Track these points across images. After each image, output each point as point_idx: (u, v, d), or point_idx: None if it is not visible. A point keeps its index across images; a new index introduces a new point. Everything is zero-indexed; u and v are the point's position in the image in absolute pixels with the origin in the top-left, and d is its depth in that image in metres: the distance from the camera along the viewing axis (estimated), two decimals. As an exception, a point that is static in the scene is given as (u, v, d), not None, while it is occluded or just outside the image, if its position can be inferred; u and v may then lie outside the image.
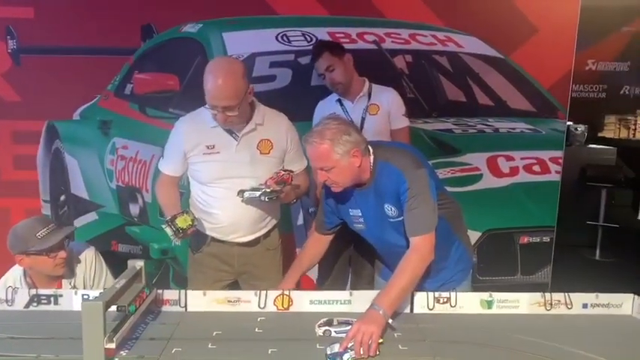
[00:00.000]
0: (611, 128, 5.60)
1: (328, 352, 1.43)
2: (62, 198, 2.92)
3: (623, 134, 5.58)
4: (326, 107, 2.44)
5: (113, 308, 1.46)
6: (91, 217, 2.90)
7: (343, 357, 1.41)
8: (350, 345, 1.43)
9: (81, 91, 2.74)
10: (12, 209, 2.86)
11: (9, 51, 2.69)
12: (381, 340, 1.47)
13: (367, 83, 2.41)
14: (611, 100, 5.43)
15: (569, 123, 4.38)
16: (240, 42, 2.69)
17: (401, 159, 1.69)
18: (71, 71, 2.69)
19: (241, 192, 1.86)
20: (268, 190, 1.82)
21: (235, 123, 1.85)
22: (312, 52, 2.38)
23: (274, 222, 2.06)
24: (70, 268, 2.00)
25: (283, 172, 1.86)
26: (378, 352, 1.44)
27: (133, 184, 2.83)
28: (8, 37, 2.68)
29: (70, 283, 1.99)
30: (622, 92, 5.49)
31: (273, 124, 1.93)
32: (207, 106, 1.81)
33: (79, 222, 2.90)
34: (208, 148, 1.87)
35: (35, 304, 1.72)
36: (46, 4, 2.65)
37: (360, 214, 1.78)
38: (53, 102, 2.72)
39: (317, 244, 1.93)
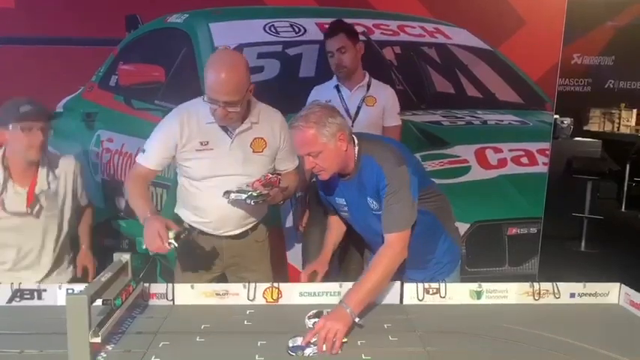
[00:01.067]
0: (596, 121, 5.68)
1: (290, 345, 1.42)
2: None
3: (608, 127, 5.66)
4: (322, 92, 2.44)
5: (98, 302, 1.43)
6: (76, 211, 2.86)
7: (305, 351, 1.40)
8: (313, 340, 1.42)
9: (64, 82, 2.69)
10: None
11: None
12: (345, 340, 1.45)
13: (368, 76, 2.43)
14: (596, 93, 5.51)
15: (555, 116, 4.44)
16: (228, 33, 2.66)
17: (382, 154, 1.69)
18: (54, 62, 2.64)
19: (227, 193, 1.81)
20: (255, 194, 1.77)
21: (234, 120, 1.79)
22: (328, 28, 2.35)
23: (262, 214, 2.04)
24: (49, 165, 1.98)
25: (271, 175, 1.82)
26: (340, 351, 1.42)
27: (118, 177, 2.79)
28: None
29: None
30: (607, 86, 5.57)
31: (267, 122, 1.88)
32: (205, 99, 1.73)
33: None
34: (202, 144, 1.81)
35: (18, 299, 1.69)
36: (29, -7, 2.60)
37: (345, 202, 1.80)
38: (35, 94, 2.64)
39: (337, 221, 1.97)
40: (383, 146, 1.75)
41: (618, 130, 5.62)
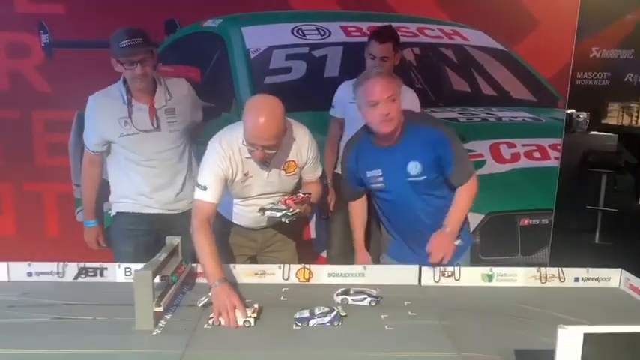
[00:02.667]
0: (614, 115, 5.68)
1: (297, 316, 1.60)
2: (92, 182, 3.10)
3: (626, 121, 5.67)
4: (351, 89, 2.56)
5: (157, 278, 1.66)
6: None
7: (310, 322, 1.57)
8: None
9: (109, 82, 2.88)
10: (45, 193, 3.05)
11: (42, 45, 2.85)
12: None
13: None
14: (614, 87, 5.49)
15: (571, 110, 4.51)
16: (258, 36, 2.83)
17: (434, 121, 2.04)
18: (100, 64, 2.81)
19: (262, 210, 1.94)
20: (289, 213, 1.90)
21: (270, 158, 1.90)
22: (378, 34, 2.44)
23: None
24: (162, 87, 2.19)
25: (302, 195, 1.96)
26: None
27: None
28: (41, 31, 2.84)
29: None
30: (626, 79, 5.55)
31: (296, 145, 1.98)
32: (244, 142, 1.84)
33: (109, 204, 3.08)
34: (244, 175, 1.95)
35: (83, 275, 1.93)
36: (76, 1, 2.81)
37: (380, 173, 1.98)
38: (83, 93, 2.86)
39: (359, 208, 2.16)
40: (428, 116, 2.04)
41: (636, 123, 5.62)
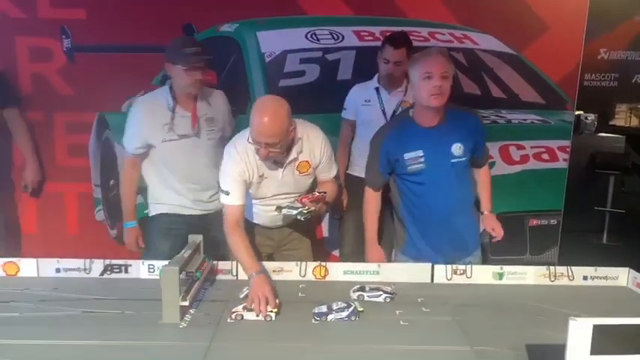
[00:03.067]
0: (622, 116, 5.69)
1: (315, 311, 1.67)
2: (111, 182, 3.17)
3: (634, 122, 5.67)
4: (362, 91, 2.66)
5: (182, 275, 1.73)
6: (138, 199, 3.16)
7: (328, 317, 1.64)
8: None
9: (128, 85, 2.97)
10: (66, 193, 3.14)
11: (64, 49, 2.94)
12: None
13: (406, 82, 2.60)
14: (622, 88, 5.49)
15: (579, 112, 4.53)
16: (273, 40, 2.91)
17: (473, 110, 2.24)
18: (119, 67, 2.92)
19: (279, 208, 2.02)
20: (305, 211, 1.96)
21: (275, 158, 1.96)
22: (392, 39, 2.51)
23: None
24: (203, 97, 2.31)
25: (318, 194, 2.03)
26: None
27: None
28: (63, 36, 2.93)
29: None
30: (634, 81, 5.55)
31: (309, 146, 2.04)
32: (249, 140, 1.91)
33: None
34: (260, 176, 2.03)
35: (109, 272, 2.01)
36: (97, 6, 2.89)
37: (422, 154, 2.05)
38: (103, 95, 2.97)
39: (376, 203, 2.21)
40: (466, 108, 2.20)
41: (645, 125, 5.63)
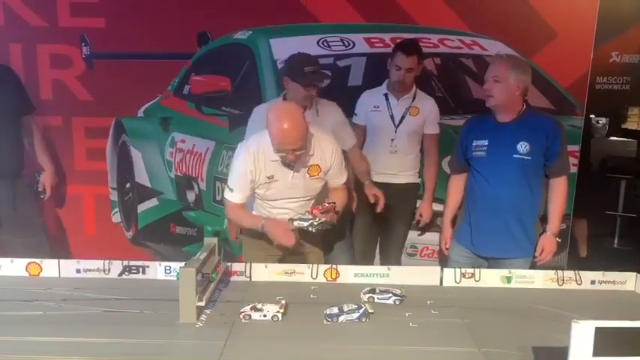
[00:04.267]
0: (635, 120, 5.65)
1: (327, 312, 1.71)
2: (128, 185, 3.26)
3: (647, 126, 5.64)
4: (371, 97, 2.72)
5: (199, 276, 1.79)
6: (153, 202, 3.25)
7: (339, 318, 1.68)
8: None
9: (145, 91, 3.06)
10: (84, 195, 3.23)
11: (83, 56, 3.03)
12: None
13: (414, 88, 2.68)
14: (635, 91, 5.46)
15: (590, 115, 4.51)
16: (286, 47, 2.93)
17: (556, 119, 2.30)
18: (136, 74, 3.00)
19: (291, 220, 2.07)
20: (316, 223, 2.01)
21: (302, 158, 2.02)
22: (404, 46, 2.56)
23: None
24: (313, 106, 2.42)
25: (328, 204, 2.05)
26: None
27: (189, 173, 3.15)
28: (83, 44, 3.02)
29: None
30: (646, 84, 5.52)
31: (320, 149, 2.08)
32: (275, 151, 1.96)
33: (142, 207, 3.26)
34: (269, 178, 2.08)
35: (127, 273, 2.08)
36: (116, 15, 2.97)
37: (486, 143, 2.23)
38: (120, 101, 3.05)
39: (455, 186, 2.41)
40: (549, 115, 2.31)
41: (657, 128, 5.58)
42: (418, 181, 2.83)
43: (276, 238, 2.05)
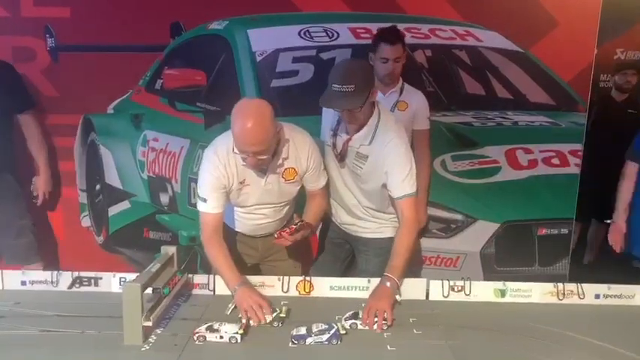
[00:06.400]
0: (641, 118, 5.47)
1: (293, 334, 1.52)
2: (97, 187, 3.06)
3: (653, 125, 5.45)
4: None
5: (149, 290, 1.59)
6: (124, 205, 3.04)
7: (306, 340, 1.50)
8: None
9: (114, 86, 2.86)
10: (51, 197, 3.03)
11: (48, 49, 2.84)
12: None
13: (401, 81, 2.45)
14: (640, 88, 5.29)
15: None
16: (264, 38, 2.76)
17: None
18: (105, 67, 2.81)
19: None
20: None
21: (265, 164, 1.82)
22: (386, 35, 2.34)
23: (291, 213, 2.13)
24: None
25: (295, 226, 1.83)
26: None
27: (163, 174, 2.96)
28: (47, 35, 2.82)
29: None
30: (652, 81, 5.35)
31: (296, 152, 1.90)
32: (234, 150, 1.76)
33: (113, 210, 3.06)
34: (240, 183, 1.88)
35: (77, 285, 1.88)
36: (81, 4, 2.77)
37: None
38: (89, 97, 2.86)
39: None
40: None
41: (664, 127, 5.40)
42: None
43: (243, 309, 1.68)
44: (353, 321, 1.63)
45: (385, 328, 1.62)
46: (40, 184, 2.79)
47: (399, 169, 1.90)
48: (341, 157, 2.03)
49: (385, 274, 1.78)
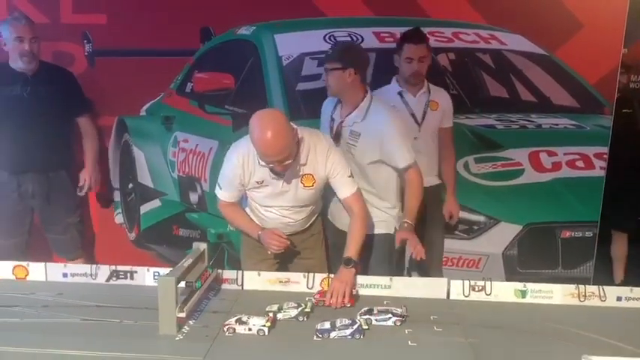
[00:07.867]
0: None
1: (318, 327, 1.58)
2: (130, 186, 3.19)
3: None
4: (383, 97, 2.44)
5: (182, 284, 1.69)
6: (155, 203, 3.16)
7: (331, 334, 1.55)
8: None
9: (147, 89, 2.98)
10: (88, 195, 3.17)
11: (85, 54, 2.98)
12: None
13: (426, 81, 2.51)
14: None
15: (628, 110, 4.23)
16: (291, 43, 2.83)
17: None
18: (139, 71, 2.93)
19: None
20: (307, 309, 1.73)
21: (292, 166, 1.91)
22: (411, 35, 2.40)
23: (317, 213, 2.20)
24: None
25: (318, 297, 1.81)
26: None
27: (192, 174, 3.06)
28: (85, 41, 2.96)
29: None
30: (684, 82, 5.21)
31: (314, 158, 1.95)
32: (260, 163, 1.86)
33: (145, 208, 3.18)
34: (258, 183, 1.97)
35: (114, 278, 1.99)
36: (117, 12, 2.90)
37: None
38: (123, 99, 2.99)
39: None
40: None
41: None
42: (440, 181, 2.65)
43: (267, 244, 1.99)
44: (367, 316, 1.68)
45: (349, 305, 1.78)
46: (86, 176, 2.89)
47: (398, 139, 2.11)
48: (336, 137, 2.18)
49: (349, 256, 1.90)
